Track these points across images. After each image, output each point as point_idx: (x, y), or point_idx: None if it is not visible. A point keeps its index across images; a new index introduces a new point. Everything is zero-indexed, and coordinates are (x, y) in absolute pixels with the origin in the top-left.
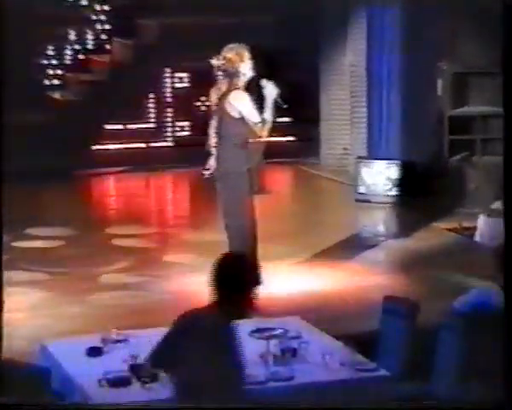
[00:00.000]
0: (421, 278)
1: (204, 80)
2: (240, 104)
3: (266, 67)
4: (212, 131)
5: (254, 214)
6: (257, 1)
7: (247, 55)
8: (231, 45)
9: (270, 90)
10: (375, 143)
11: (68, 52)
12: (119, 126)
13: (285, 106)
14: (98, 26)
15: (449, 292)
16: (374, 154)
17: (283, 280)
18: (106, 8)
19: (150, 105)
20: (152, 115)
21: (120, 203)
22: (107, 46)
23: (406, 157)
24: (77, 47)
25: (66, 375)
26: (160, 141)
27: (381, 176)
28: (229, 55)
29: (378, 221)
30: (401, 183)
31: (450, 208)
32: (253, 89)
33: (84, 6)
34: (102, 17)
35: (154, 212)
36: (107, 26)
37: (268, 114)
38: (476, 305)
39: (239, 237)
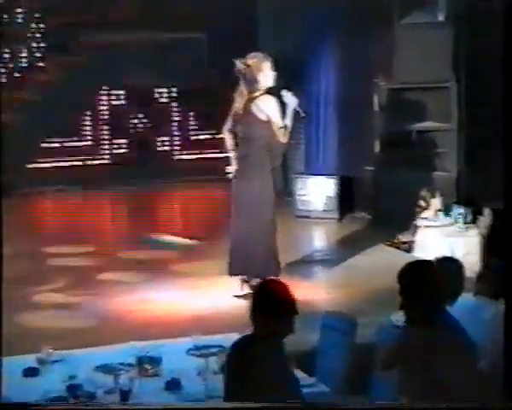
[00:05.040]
0: (360, 292)
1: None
2: (268, 108)
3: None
4: (228, 133)
5: (275, 214)
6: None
7: (267, 65)
8: (255, 53)
9: (291, 99)
10: (313, 158)
11: (2, 70)
12: (56, 145)
13: (303, 115)
14: (33, 44)
15: (388, 306)
16: (311, 169)
17: (223, 295)
18: (41, 25)
19: (86, 123)
20: (88, 133)
21: (58, 222)
22: (42, 64)
23: (343, 173)
24: (11, 65)
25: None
26: (96, 159)
27: (319, 191)
28: (250, 62)
29: (317, 237)
30: (338, 198)
31: (388, 223)
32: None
33: (18, 23)
34: (37, 35)
35: (92, 230)
36: (42, 44)
37: (288, 121)
38: None
39: (258, 237)
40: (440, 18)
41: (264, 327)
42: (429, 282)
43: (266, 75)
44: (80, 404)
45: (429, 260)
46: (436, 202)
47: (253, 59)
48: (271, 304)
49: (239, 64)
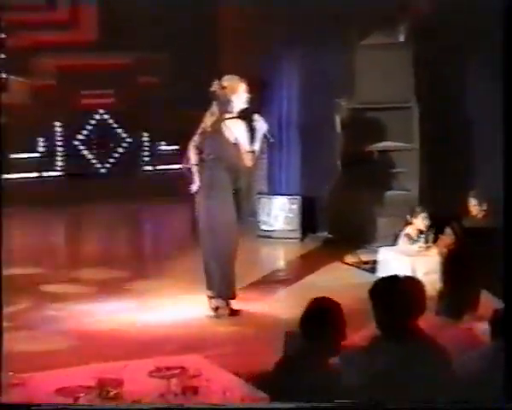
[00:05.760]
0: None
1: None
2: (238, 131)
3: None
4: (193, 149)
5: (237, 235)
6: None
7: (241, 88)
8: (229, 76)
9: (261, 124)
10: (275, 178)
11: None
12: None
13: (272, 140)
14: None
15: (350, 325)
16: (274, 189)
17: (183, 316)
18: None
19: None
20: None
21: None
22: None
23: (306, 193)
24: None
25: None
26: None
27: (281, 211)
28: (226, 83)
29: (279, 256)
30: (301, 218)
31: (350, 243)
32: (246, 120)
33: None
34: None
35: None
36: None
37: (257, 145)
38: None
39: (218, 256)
40: (400, 38)
41: (312, 343)
42: (404, 296)
43: (240, 97)
44: (80, 404)
45: (400, 276)
46: (419, 223)
47: (228, 81)
48: (321, 322)
49: (214, 85)
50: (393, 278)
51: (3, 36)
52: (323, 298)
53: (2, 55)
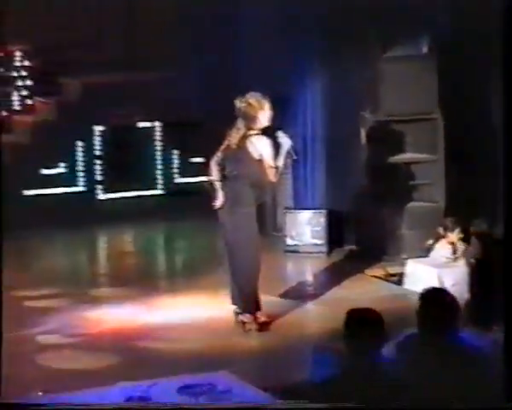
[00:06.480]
0: None
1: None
2: (262, 147)
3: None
4: (215, 165)
5: (259, 251)
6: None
7: (267, 105)
8: (253, 93)
9: (285, 141)
10: (301, 193)
11: None
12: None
13: (296, 157)
14: (20, 86)
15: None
16: (300, 204)
17: (211, 331)
18: (27, 67)
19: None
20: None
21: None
22: (30, 106)
23: (332, 207)
24: None
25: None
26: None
27: (307, 226)
28: (252, 100)
29: (306, 271)
30: (327, 232)
31: (377, 255)
32: (270, 136)
33: (4, 65)
34: (24, 76)
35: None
36: (29, 86)
37: (280, 161)
38: None
39: (242, 271)
40: (424, 50)
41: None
42: (449, 306)
43: (265, 114)
44: (79, 404)
45: (444, 288)
46: (453, 237)
47: (253, 98)
48: (360, 332)
49: (240, 103)
50: (441, 290)
51: (26, 57)
52: (363, 309)
53: (25, 73)
